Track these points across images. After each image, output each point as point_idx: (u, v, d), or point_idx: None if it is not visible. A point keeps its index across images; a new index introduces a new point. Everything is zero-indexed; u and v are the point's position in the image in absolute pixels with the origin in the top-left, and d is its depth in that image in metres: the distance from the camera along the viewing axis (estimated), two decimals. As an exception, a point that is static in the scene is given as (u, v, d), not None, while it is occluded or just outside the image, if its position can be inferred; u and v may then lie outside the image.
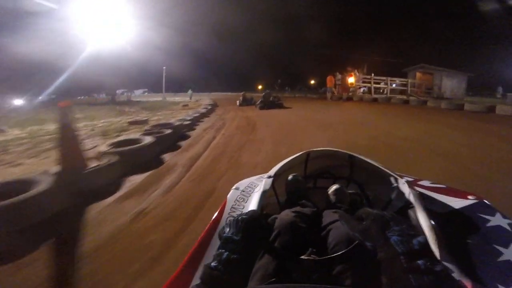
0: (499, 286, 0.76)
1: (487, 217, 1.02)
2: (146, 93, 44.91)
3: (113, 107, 15.80)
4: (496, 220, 1.00)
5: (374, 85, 16.58)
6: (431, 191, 1.25)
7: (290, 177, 1.27)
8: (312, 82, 42.27)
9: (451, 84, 17.41)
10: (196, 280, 0.75)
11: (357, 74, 16.99)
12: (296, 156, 1.39)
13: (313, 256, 0.74)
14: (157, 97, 31.86)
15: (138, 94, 45.36)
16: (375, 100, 14.53)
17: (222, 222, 1.04)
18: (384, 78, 16.82)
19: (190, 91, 28.35)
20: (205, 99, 22.48)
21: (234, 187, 1.34)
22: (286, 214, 0.88)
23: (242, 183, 1.39)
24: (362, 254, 0.70)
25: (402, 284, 0.58)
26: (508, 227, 0.96)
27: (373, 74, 16.50)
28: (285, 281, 0.66)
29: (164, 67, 31.13)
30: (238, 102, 15.05)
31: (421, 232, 0.83)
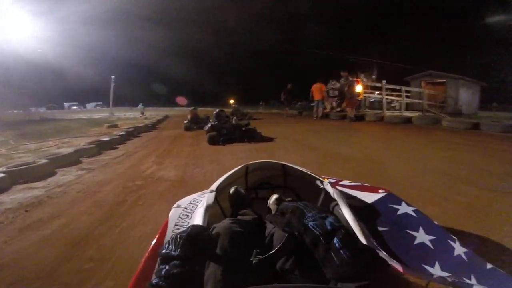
0: (424, 266, 0.88)
1: (395, 206, 1.18)
2: (99, 107, 38.86)
3: None
4: (403, 208, 1.16)
5: (387, 96, 11.83)
6: (350, 188, 1.39)
7: (232, 189, 1.34)
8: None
9: (466, 95, 13.62)
10: None
11: (364, 80, 12.30)
12: (236, 170, 1.44)
13: (258, 256, 0.81)
14: (104, 113, 26.33)
15: (89, 108, 39.66)
16: (408, 121, 8.63)
17: (166, 241, 0.96)
18: (397, 87, 12.12)
19: (140, 105, 23.00)
20: (157, 116, 18.72)
21: (175, 205, 1.29)
22: (223, 222, 0.92)
23: (184, 201, 1.33)
24: (295, 243, 0.80)
25: (328, 262, 0.66)
26: (413, 213, 1.13)
27: (384, 81, 11.67)
28: (237, 284, 0.69)
29: (112, 77, 25.44)
30: (184, 123, 9.75)
31: (346, 223, 0.92)
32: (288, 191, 1.56)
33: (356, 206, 1.15)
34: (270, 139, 6.38)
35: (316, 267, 0.74)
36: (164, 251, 0.76)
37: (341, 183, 1.52)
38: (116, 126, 12.08)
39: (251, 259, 0.80)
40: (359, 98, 11.07)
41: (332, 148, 5.02)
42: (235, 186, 1.36)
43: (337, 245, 0.67)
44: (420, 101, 12.70)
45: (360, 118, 10.39)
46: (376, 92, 12.46)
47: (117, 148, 6.31)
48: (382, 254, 0.78)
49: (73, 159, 4.84)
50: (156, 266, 0.79)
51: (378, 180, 3.00)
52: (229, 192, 1.33)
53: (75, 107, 41.64)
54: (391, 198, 1.23)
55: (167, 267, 0.70)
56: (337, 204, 1.09)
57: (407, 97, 12.47)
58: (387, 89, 11.77)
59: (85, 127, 12.54)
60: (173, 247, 0.76)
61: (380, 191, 1.30)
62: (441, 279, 0.79)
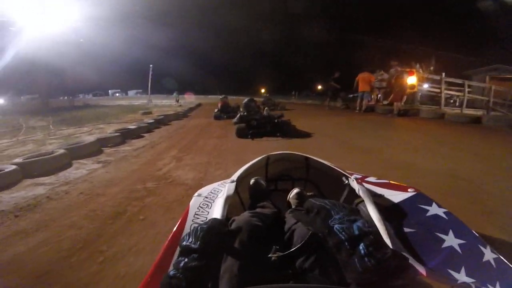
0: (449, 271, 0.83)
1: (425, 207, 1.10)
2: (139, 95, 40.96)
3: (12, 119, 10.16)
4: (433, 209, 1.08)
5: (446, 91, 9.85)
6: (376, 186, 1.31)
7: (252, 180, 1.30)
8: (319, 87, 36.90)
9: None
10: None
11: (420, 72, 10.32)
12: (257, 161, 1.41)
13: (278, 253, 0.76)
14: (143, 100, 27.31)
15: (130, 95, 42.04)
16: (476, 120, 7.00)
17: (186, 230, 0.99)
18: (459, 81, 10.14)
19: (175, 93, 23.09)
20: (191, 104, 18.98)
21: (196, 194, 1.26)
22: (243, 215, 0.91)
23: (205, 190, 1.31)
24: (318, 243, 0.75)
25: (350, 268, 0.62)
26: (444, 216, 1.05)
27: (444, 74, 9.79)
28: (253, 279, 0.66)
29: (151, 65, 26.17)
30: (214, 112, 9.20)
31: (371, 222, 0.88)
32: (309, 184, 1.51)
33: (382, 204, 1.13)
34: (307, 135, 5.46)
35: (337, 268, 0.71)
36: (184, 243, 0.73)
37: (367, 179, 1.43)
38: (150, 113, 12.13)
39: (270, 255, 0.76)
40: (413, 91, 9.43)
41: (393, 153, 3.95)
42: (256, 177, 1.33)
43: (362, 251, 0.62)
44: (485, 98, 10.59)
45: (405, 113, 8.93)
46: (425, 85, 10.58)
47: (143, 137, 5.97)
48: (406, 255, 0.74)
49: (94, 149, 4.52)
50: (175, 257, 0.77)
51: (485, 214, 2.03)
52: (249, 183, 1.31)
53: (117, 94, 44.48)
54: (421, 198, 1.16)
55: (185, 260, 0.67)
56: (362, 201, 1.05)
57: (468, 92, 10.44)
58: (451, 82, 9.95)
59: (122, 114, 12.80)
60: (193, 239, 0.73)
61: (409, 190, 1.22)
62: (465, 285, 0.75)
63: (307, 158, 1.48)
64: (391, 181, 1.40)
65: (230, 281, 0.69)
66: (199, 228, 0.77)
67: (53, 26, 13.78)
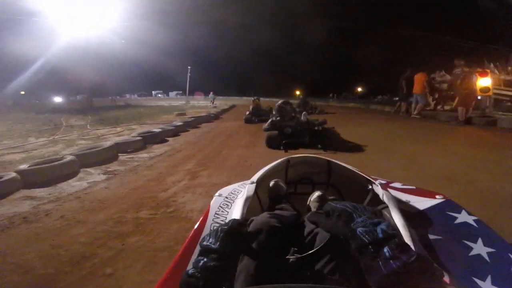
0: (474, 279, 0.80)
1: (454, 214, 1.07)
2: (179, 96, 42.88)
3: (57, 117, 10.56)
4: (463, 217, 1.05)
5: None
6: (403, 192, 1.29)
7: (272, 182, 1.29)
8: (360, 89, 34.11)
9: None
10: None
11: (496, 73, 8.27)
12: (277, 163, 1.40)
13: (296, 254, 0.77)
14: (181, 100, 28.11)
15: (171, 96, 44.22)
16: None
17: (206, 229, 1.01)
18: None
19: (211, 95, 23.21)
20: (226, 105, 19.00)
21: (217, 194, 1.28)
22: (262, 216, 0.89)
23: (225, 190, 1.34)
24: (339, 246, 0.73)
25: (374, 271, 0.59)
26: (473, 223, 1.01)
27: None
28: (270, 280, 0.66)
29: (189, 67, 26.87)
30: (245, 115, 8.48)
31: (395, 227, 0.86)
32: (331, 188, 1.45)
33: (407, 210, 1.09)
34: (356, 148, 4.37)
35: (358, 273, 0.67)
36: (204, 243, 0.71)
37: (392, 184, 1.39)
38: (184, 114, 12.05)
39: (288, 256, 0.77)
40: (487, 94, 7.58)
41: (489, 180, 2.80)
42: (275, 180, 1.31)
43: (387, 254, 0.58)
44: None
45: (470, 121, 7.25)
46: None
47: (166, 141, 5.48)
48: (431, 259, 0.68)
49: (108, 155, 4.08)
50: (195, 256, 0.75)
51: None
52: (269, 185, 1.29)
53: (160, 95, 47.03)
54: (450, 205, 1.11)
55: (205, 259, 0.66)
56: (386, 207, 1.01)
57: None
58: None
59: (157, 114, 12.89)
60: (214, 240, 0.71)
61: (437, 196, 1.16)
62: None
63: (329, 161, 1.45)
64: (418, 187, 1.37)
65: (246, 281, 0.69)
66: (219, 229, 0.74)
67: (97, 28, 14.53)
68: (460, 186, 2.58)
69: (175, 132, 6.57)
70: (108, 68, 18.22)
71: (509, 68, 9.38)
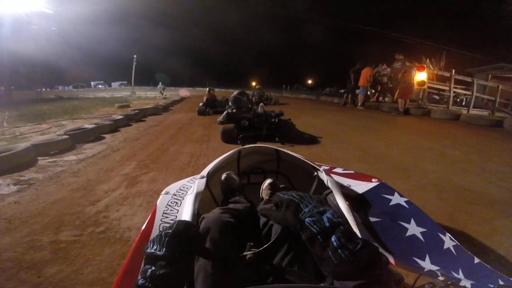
0: (415, 259, 0.86)
1: (388, 196, 1.14)
2: (123, 86, 39.11)
3: None
4: (396, 199, 1.12)
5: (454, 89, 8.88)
6: (343, 176, 1.35)
7: (224, 175, 1.26)
8: (310, 81, 35.79)
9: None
10: None
11: (431, 68, 9.06)
12: (228, 155, 1.38)
13: (253, 249, 0.76)
14: (126, 91, 25.50)
15: (114, 87, 40.15)
16: (499, 124, 5.99)
17: (155, 231, 0.95)
18: (468, 79, 8.94)
19: (160, 85, 21.58)
20: (177, 96, 18.09)
21: (163, 192, 1.21)
22: (213, 212, 0.87)
23: (172, 187, 1.26)
24: (293, 237, 0.73)
25: (325, 261, 0.60)
26: (405, 204, 1.10)
27: (454, 71, 8.50)
28: (228, 278, 0.67)
29: (135, 56, 24.40)
30: (199, 106, 7.94)
31: (340, 212, 0.89)
32: (280, 176, 1.49)
33: (349, 194, 1.15)
34: (312, 139, 4.34)
35: (314, 262, 0.69)
36: (148, 250, 0.65)
37: (334, 170, 1.47)
38: (127, 106, 10.88)
39: (245, 253, 0.75)
40: (423, 87, 8.42)
41: (437, 171, 2.95)
42: (227, 172, 1.28)
43: (335, 243, 0.60)
44: (488, 98, 9.76)
45: (408, 112, 8.03)
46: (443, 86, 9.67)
47: (102, 139, 4.72)
48: (376, 245, 0.72)
49: (24, 160, 3.28)
50: (142, 265, 0.67)
51: None
52: (221, 178, 1.25)
53: (100, 86, 42.12)
54: (384, 188, 1.19)
55: (152, 268, 0.61)
56: (330, 192, 1.04)
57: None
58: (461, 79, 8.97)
59: (96, 107, 11.37)
60: (158, 246, 0.65)
61: (373, 180, 1.25)
62: (431, 273, 0.74)
63: (277, 150, 1.45)
64: (356, 172, 1.45)
65: (205, 281, 0.67)
66: (163, 233, 0.68)
67: (18, 8, 12.02)
68: (415, 179, 2.64)
69: (114, 127, 5.75)
70: (36, 57, 15.37)
71: (442, 63, 10.58)
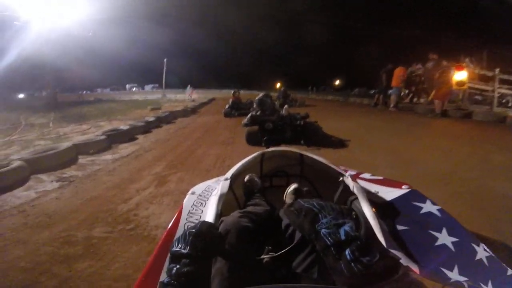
0: (442, 269, 0.81)
1: (419, 204, 1.09)
2: (155, 89, 41.15)
3: (16, 114, 9.51)
4: (427, 207, 1.08)
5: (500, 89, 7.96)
6: (372, 182, 1.32)
7: (246, 177, 1.28)
8: (337, 82, 34.59)
9: None
10: None
11: (471, 66, 8.28)
12: (252, 157, 1.39)
13: (271, 253, 0.77)
14: (158, 94, 26.85)
15: (147, 90, 42.41)
16: None
17: (180, 230, 0.95)
18: None
19: (188, 88, 22.18)
20: (205, 98, 18.47)
21: (190, 192, 1.24)
22: (231, 216, 0.88)
23: (198, 187, 1.29)
24: (313, 243, 0.73)
25: (338, 272, 0.60)
26: (437, 213, 1.05)
27: (498, 70, 7.73)
28: (245, 282, 0.65)
29: (165, 59, 25.55)
30: (224, 108, 8.11)
31: (366, 222, 0.87)
32: (304, 180, 1.46)
33: (376, 201, 1.11)
34: (340, 143, 4.17)
35: (326, 269, 0.70)
36: (174, 248, 0.70)
37: (361, 176, 1.42)
38: (159, 108, 11.43)
39: (262, 256, 0.76)
40: (462, 88, 7.77)
41: (478, 178, 2.70)
42: (250, 174, 1.30)
43: (348, 257, 0.60)
44: None
45: (444, 114, 7.40)
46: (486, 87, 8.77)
47: (135, 139, 5.00)
48: (399, 254, 0.74)
49: (66, 158, 3.58)
50: (167, 263, 0.73)
51: None
52: (244, 180, 1.27)
53: (134, 89, 44.87)
54: (415, 195, 1.15)
55: (177, 266, 0.65)
56: (356, 198, 1.02)
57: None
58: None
59: (130, 109, 12.09)
60: (183, 245, 0.69)
61: (403, 187, 1.20)
62: (458, 283, 0.74)
63: (301, 154, 1.44)
64: (386, 178, 1.39)
65: (221, 283, 0.68)
66: (187, 232, 0.73)
67: (59, 20, 13.19)
68: (452, 187, 2.44)
69: (147, 128, 6.07)
70: (78, 62, 16.78)
71: (484, 63, 9.70)
